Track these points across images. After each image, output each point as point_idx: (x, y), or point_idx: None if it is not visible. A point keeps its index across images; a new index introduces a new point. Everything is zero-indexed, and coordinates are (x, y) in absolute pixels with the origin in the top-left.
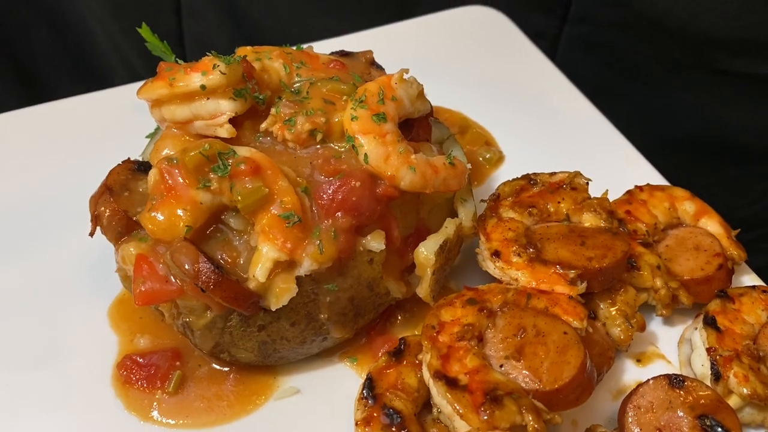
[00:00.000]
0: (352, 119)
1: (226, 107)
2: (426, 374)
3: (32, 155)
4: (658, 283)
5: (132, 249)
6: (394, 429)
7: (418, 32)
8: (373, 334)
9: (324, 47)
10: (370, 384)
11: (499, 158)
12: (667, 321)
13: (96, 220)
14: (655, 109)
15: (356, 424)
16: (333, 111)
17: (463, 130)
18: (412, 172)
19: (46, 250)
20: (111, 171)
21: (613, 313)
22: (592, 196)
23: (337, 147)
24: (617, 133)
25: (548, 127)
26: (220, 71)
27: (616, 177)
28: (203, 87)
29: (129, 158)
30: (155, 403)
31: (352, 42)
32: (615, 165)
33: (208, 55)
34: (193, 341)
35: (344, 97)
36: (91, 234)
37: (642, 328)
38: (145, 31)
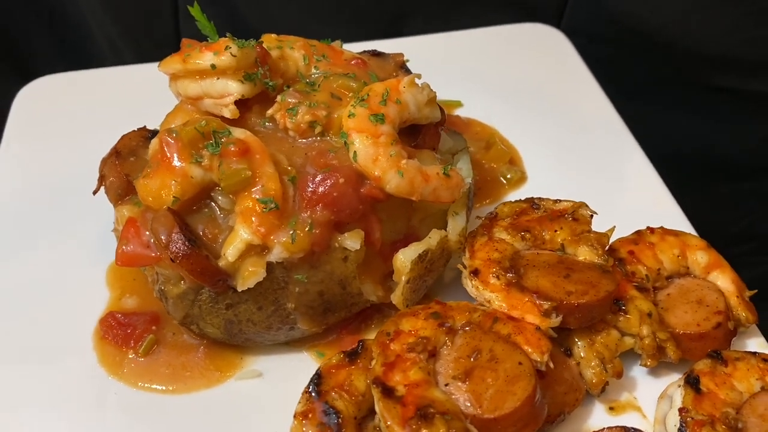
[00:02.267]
0: (349, 116)
1: (233, 89)
2: None
3: (74, 118)
4: (645, 331)
5: (126, 211)
6: (331, 427)
7: (472, 43)
8: (343, 332)
9: (365, 48)
10: (317, 379)
11: (520, 178)
12: (654, 373)
13: (101, 179)
14: (645, 124)
15: (295, 416)
16: (338, 106)
17: (489, 145)
18: (400, 177)
19: (67, 206)
20: (123, 136)
21: (589, 354)
22: (593, 230)
23: (334, 142)
24: (654, 173)
25: (581, 156)
26: (230, 53)
27: (637, 216)
28: (213, 66)
29: (145, 126)
30: (125, 361)
31: (401, 46)
32: (640, 204)
33: (226, 37)
34: (167, 308)
35: (351, 94)
36: (94, 192)
37: (618, 375)
38: (195, 10)
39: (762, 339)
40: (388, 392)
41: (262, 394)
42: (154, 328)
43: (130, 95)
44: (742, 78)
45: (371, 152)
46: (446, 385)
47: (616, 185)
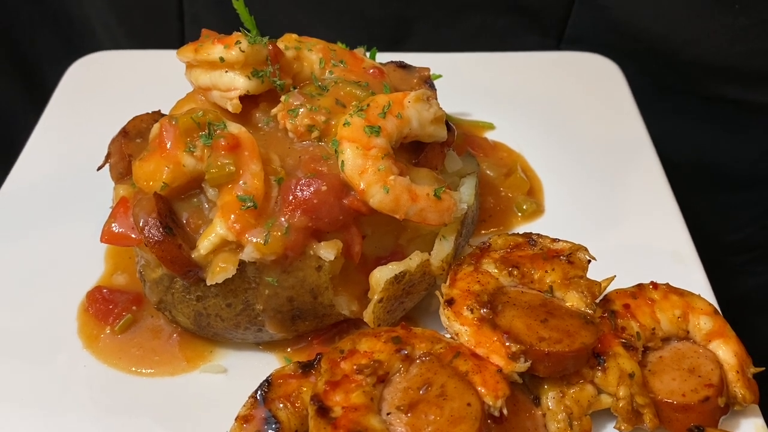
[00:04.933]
0: (344, 124)
1: (239, 83)
2: None
3: (118, 96)
4: (622, 392)
5: (121, 191)
6: None
7: (518, 66)
8: (315, 341)
9: (400, 58)
10: (266, 386)
11: (535, 211)
12: None
13: (107, 157)
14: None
15: (236, 419)
16: (340, 113)
17: (510, 172)
18: (384, 192)
19: (88, 180)
20: (135, 117)
21: (558, 406)
22: (587, 277)
23: (329, 149)
24: (683, 227)
25: (608, 198)
26: (240, 48)
27: (651, 272)
28: (222, 59)
29: (159, 110)
30: (102, 336)
31: (441, 60)
32: (657, 260)
33: (239, 32)
34: (145, 290)
35: (354, 103)
36: (98, 168)
37: None
38: (239, 4)
39: (761, 420)
40: (323, 412)
41: (221, 391)
42: (134, 308)
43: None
44: (744, 89)
45: (359, 163)
46: (388, 414)
47: (636, 234)
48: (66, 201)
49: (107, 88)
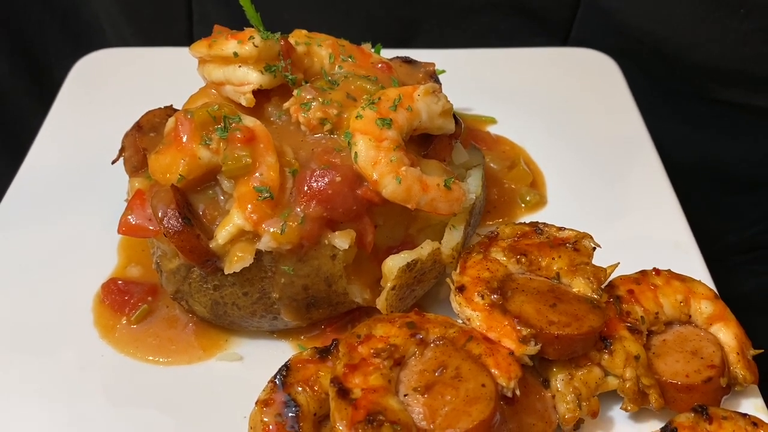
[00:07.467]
0: (356, 117)
1: (252, 78)
2: None
3: (125, 92)
4: (628, 373)
5: (137, 184)
6: (287, 419)
7: (518, 62)
8: (328, 329)
9: (404, 54)
10: (285, 370)
11: (538, 202)
12: (635, 417)
13: (121, 151)
14: (650, 134)
15: (256, 403)
16: (351, 107)
17: (513, 165)
18: (397, 183)
19: (99, 174)
20: (148, 112)
21: (566, 388)
22: (593, 264)
23: (341, 141)
24: (682, 218)
25: (608, 188)
26: (253, 43)
27: (654, 258)
28: (235, 54)
29: (171, 105)
30: (118, 327)
31: (445, 57)
32: (658, 247)
33: (251, 28)
34: (161, 281)
35: (365, 96)
36: (113, 162)
37: (593, 414)
38: (245, 1)
39: (760, 401)
40: (343, 393)
41: (238, 378)
42: (150, 299)
43: (187, 74)
44: (749, 92)
45: (372, 155)
46: (405, 395)
47: (635, 226)
48: (76, 195)
49: (114, 85)
